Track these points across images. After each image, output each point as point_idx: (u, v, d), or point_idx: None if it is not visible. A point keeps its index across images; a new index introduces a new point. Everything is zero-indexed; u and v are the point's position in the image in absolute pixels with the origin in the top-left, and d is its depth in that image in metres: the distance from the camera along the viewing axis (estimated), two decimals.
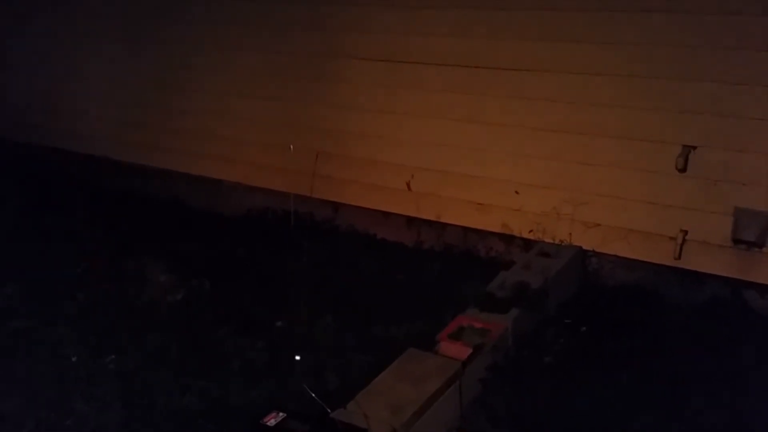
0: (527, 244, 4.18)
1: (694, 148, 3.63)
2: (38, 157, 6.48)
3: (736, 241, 3.60)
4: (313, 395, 2.49)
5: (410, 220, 4.65)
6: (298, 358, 2.68)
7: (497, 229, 4.30)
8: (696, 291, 3.76)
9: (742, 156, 3.54)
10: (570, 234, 4.03)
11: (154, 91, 5.71)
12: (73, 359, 3.50)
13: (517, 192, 4.19)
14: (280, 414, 2.34)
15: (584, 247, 4.02)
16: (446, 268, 4.27)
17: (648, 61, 3.68)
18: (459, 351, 3.04)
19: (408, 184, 4.58)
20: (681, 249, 3.73)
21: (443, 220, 4.51)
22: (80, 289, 4.17)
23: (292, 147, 4.52)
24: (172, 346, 3.59)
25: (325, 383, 3.16)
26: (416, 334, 3.42)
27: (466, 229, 4.44)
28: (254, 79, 5.16)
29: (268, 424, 2.31)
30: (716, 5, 3.47)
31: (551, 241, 4.08)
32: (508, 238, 4.28)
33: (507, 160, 4.20)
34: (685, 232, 3.72)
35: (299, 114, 4.97)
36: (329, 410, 2.52)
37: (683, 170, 3.64)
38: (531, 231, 4.16)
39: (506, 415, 2.97)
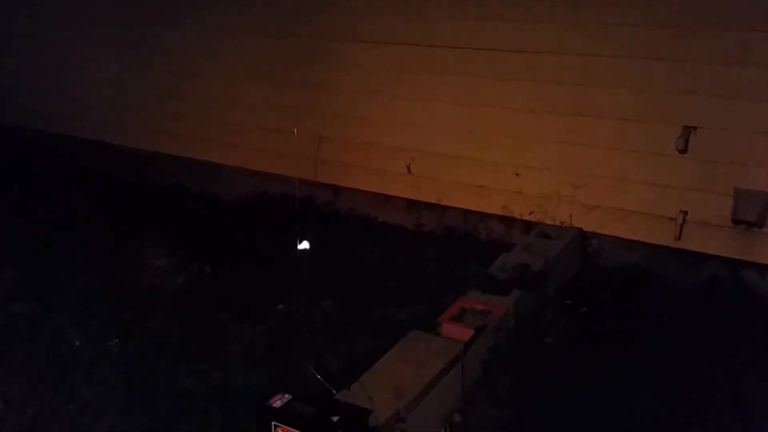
0: (528, 226, 4.19)
1: (695, 129, 3.62)
2: (38, 142, 6.47)
3: (736, 222, 3.61)
4: (319, 377, 2.50)
5: (411, 203, 4.65)
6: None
7: (498, 212, 4.30)
8: (696, 271, 3.78)
9: (742, 137, 3.54)
10: (570, 216, 4.04)
11: (155, 75, 5.69)
12: (76, 343, 3.51)
13: (517, 174, 4.19)
14: (286, 396, 2.35)
15: (584, 229, 4.03)
16: (447, 251, 4.28)
17: (648, 42, 3.67)
18: (461, 333, 3.04)
19: (408, 168, 4.57)
20: (681, 230, 3.74)
21: (444, 202, 4.51)
22: (81, 274, 4.17)
23: (296, 131, 4.51)
24: (174, 330, 3.60)
25: (327, 366, 3.17)
26: (417, 316, 3.43)
27: (466, 212, 4.44)
28: (255, 63, 5.14)
29: (274, 405, 2.32)
30: None
31: (552, 222, 4.09)
32: (508, 221, 4.29)
33: (507, 143, 4.20)
34: (685, 213, 3.72)
35: (299, 98, 4.95)
36: (334, 392, 2.53)
37: (683, 151, 3.64)
38: (531, 213, 4.17)
39: (508, 396, 2.98)
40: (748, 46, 3.44)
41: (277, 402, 2.34)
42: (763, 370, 3.08)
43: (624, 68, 3.77)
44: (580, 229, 4.03)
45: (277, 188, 5.11)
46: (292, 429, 2.28)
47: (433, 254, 4.27)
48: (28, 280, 4.13)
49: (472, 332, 3.04)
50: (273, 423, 2.31)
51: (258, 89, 5.16)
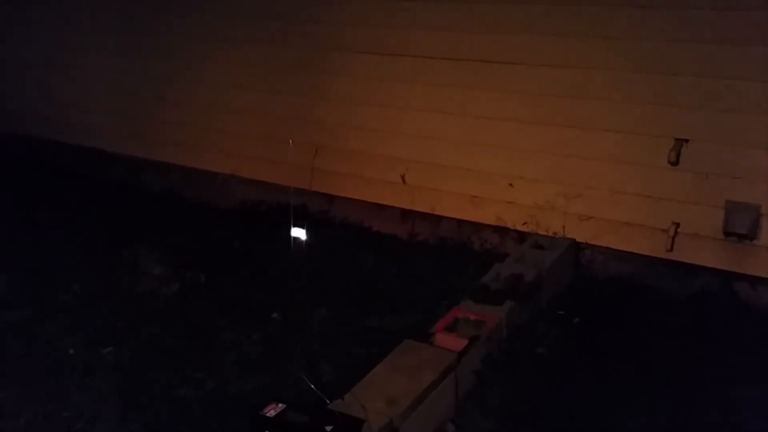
0: (521, 236, 4.21)
1: (687, 141, 3.66)
2: (33, 148, 6.47)
3: (728, 234, 3.64)
4: (312, 386, 2.51)
5: (405, 213, 4.67)
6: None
7: (491, 222, 4.33)
8: (687, 283, 3.80)
9: (734, 149, 3.58)
10: (563, 226, 4.06)
11: (151, 83, 5.71)
12: (71, 351, 3.51)
13: (511, 185, 4.22)
14: (280, 405, 2.36)
15: (577, 240, 4.05)
16: (440, 261, 4.30)
17: (641, 55, 3.71)
18: (454, 343, 3.06)
19: (403, 177, 4.60)
20: (673, 241, 3.77)
21: (438, 212, 4.54)
22: (76, 280, 4.17)
23: (291, 142, 4.53)
24: (169, 337, 3.61)
25: (321, 375, 3.18)
26: (411, 326, 3.44)
27: (460, 222, 4.47)
28: (250, 72, 5.16)
29: (268, 415, 2.33)
30: (710, 0, 3.50)
31: (545, 233, 4.11)
32: (502, 231, 4.31)
33: (501, 154, 4.23)
34: (677, 225, 3.75)
35: (294, 107, 4.97)
36: (328, 401, 2.55)
37: (675, 163, 3.68)
38: (525, 223, 4.19)
39: (500, 407, 3.00)
40: (739, 59, 3.48)
41: (271, 411, 2.35)
42: (755, 380, 3.10)
43: (617, 81, 3.81)
44: (573, 240, 4.05)
45: (272, 197, 5.12)
46: None
47: (426, 264, 4.29)
48: (22, 287, 4.13)
49: (465, 342, 3.05)
50: None
51: (254, 98, 5.18)
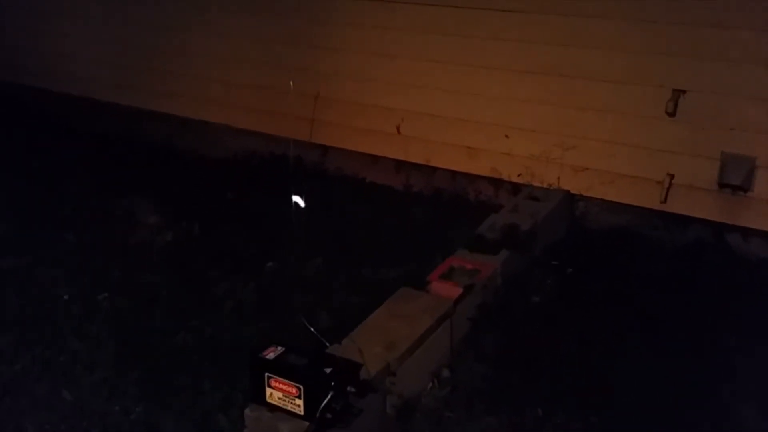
0: (516, 188, 4.21)
1: (684, 92, 3.65)
2: (26, 98, 6.39)
3: (722, 185, 3.66)
4: (312, 329, 2.53)
5: (399, 164, 4.66)
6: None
7: (486, 173, 4.32)
8: (681, 234, 3.83)
9: (731, 101, 3.58)
10: (558, 178, 4.07)
11: (143, 32, 5.62)
12: (65, 297, 3.52)
13: (506, 136, 4.21)
14: (279, 348, 2.38)
15: (572, 191, 4.06)
16: (435, 212, 4.30)
17: (639, 3, 3.68)
18: (450, 290, 3.08)
19: (398, 128, 4.57)
20: (667, 193, 3.79)
21: (433, 164, 4.52)
22: (69, 229, 4.16)
23: (292, 83, 4.47)
24: (164, 286, 3.62)
25: (317, 322, 3.19)
26: (406, 275, 3.45)
27: (455, 173, 4.46)
28: (246, 22, 5.08)
29: (268, 357, 2.35)
30: None
31: (540, 185, 4.12)
32: (496, 182, 4.31)
33: (497, 104, 4.20)
34: (672, 176, 3.77)
35: (289, 56, 4.91)
36: (327, 344, 2.57)
37: (672, 114, 3.67)
38: (520, 175, 4.19)
39: (494, 353, 3.03)
40: (738, 9, 3.45)
41: (271, 354, 2.37)
42: (745, 328, 3.14)
43: (615, 30, 3.78)
44: (568, 192, 4.06)
45: (266, 147, 5.09)
46: (285, 380, 2.31)
47: (421, 214, 4.29)
48: (17, 235, 4.12)
49: (461, 290, 3.08)
50: (266, 374, 2.35)
51: (246, 46, 5.11)
